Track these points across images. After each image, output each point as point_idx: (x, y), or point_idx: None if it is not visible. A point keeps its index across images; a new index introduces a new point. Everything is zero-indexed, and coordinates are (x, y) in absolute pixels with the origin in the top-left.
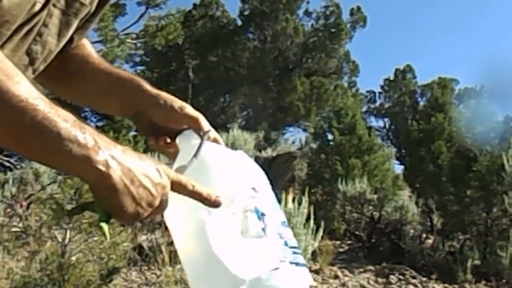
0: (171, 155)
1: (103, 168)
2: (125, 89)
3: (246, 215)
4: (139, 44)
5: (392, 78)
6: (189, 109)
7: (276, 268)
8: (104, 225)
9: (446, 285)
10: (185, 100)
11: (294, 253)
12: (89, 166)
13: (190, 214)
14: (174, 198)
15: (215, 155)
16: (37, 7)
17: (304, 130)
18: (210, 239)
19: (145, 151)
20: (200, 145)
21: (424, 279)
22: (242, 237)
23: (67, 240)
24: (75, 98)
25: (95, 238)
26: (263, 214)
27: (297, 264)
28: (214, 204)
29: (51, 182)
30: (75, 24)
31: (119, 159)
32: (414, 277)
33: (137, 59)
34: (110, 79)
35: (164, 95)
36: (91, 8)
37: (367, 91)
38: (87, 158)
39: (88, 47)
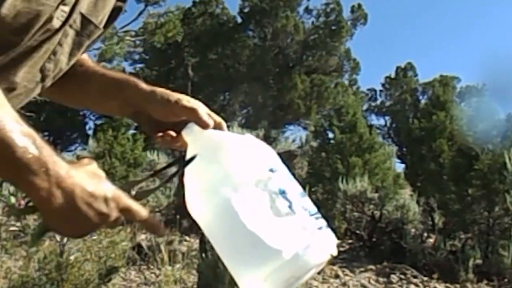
0: (181, 148)
1: (45, 195)
2: (121, 90)
3: (272, 198)
4: (138, 42)
5: (393, 76)
6: (186, 101)
7: (308, 246)
8: (35, 235)
9: (448, 284)
10: None
11: (317, 218)
12: (33, 190)
13: (213, 192)
14: (193, 180)
15: (227, 142)
16: (56, 23)
17: (305, 128)
18: (240, 214)
19: (144, 149)
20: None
21: (425, 278)
22: (273, 216)
23: (65, 239)
24: (70, 101)
25: (93, 237)
26: (285, 192)
27: (320, 228)
28: (157, 234)
29: None
30: (86, 45)
31: (64, 185)
32: (415, 277)
33: (136, 57)
34: (105, 81)
35: (160, 90)
36: (101, 30)
37: (368, 89)
38: (31, 183)
39: None
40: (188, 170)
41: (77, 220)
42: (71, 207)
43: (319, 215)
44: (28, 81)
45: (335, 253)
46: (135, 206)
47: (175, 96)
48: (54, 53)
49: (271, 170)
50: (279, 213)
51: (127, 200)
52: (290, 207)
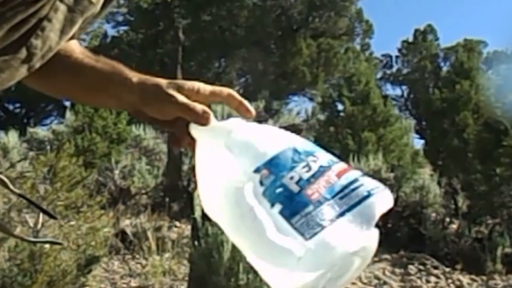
0: None
1: None
2: (111, 87)
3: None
4: (122, 1)
5: (411, 40)
6: (179, 98)
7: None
8: None
9: (473, 276)
10: (175, 66)
11: (341, 198)
12: None
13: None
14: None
15: (254, 132)
16: None
17: (311, 99)
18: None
19: (128, 123)
20: None
21: (447, 269)
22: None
23: (39, 225)
24: (54, 92)
25: (71, 223)
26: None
27: (342, 213)
28: None
29: (21, 159)
30: (79, 22)
31: None
32: (436, 267)
33: (120, 18)
34: (95, 76)
35: (151, 86)
36: (96, 8)
37: (383, 55)
38: None
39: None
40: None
41: None
42: None
43: (350, 187)
44: (6, 59)
45: (371, 238)
46: None
47: (168, 93)
48: (42, 29)
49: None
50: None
51: None
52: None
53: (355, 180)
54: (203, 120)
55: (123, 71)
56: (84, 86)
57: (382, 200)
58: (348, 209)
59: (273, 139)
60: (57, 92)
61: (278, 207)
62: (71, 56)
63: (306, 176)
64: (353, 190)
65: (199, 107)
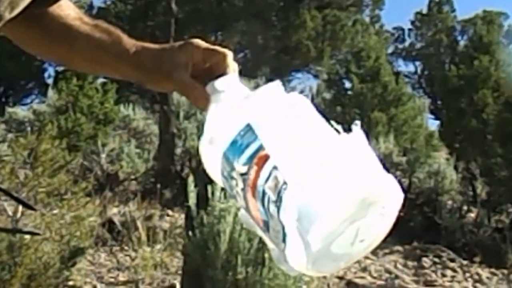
0: None
1: None
2: (109, 60)
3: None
4: None
5: (425, 11)
6: (178, 76)
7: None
8: None
9: (493, 269)
10: (167, 40)
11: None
12: None
13: None
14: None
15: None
16: None
17: (315, 76)
18: None
19: (116, 102)
20: None
21: (465, 262)
22: None
23: (19, 214)
24: (55, 59)
25: (54, 212)
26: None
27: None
28: None
29: None
30: None
31: None
32: (452, 260)
33: None
34: (89, 47)
35: (149, 59)
36: None
37: (394, 28)
38: None
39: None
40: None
41: None
42: None
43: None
44: None
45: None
46: None
47: (165, 65)
48: None
49: None
50: None
51: None
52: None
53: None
54: (198, 106)
55: (121, 41)
56: (81, 56)
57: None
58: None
59: None
60: (58, 60)
61: None
62: (65, 23)
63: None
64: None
65: (198, 91)
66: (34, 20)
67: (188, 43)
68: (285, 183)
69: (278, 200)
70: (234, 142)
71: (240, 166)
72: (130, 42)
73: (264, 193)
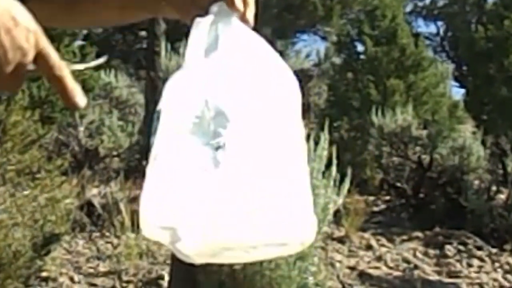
0: None
1: None
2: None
3: None
4: None
5: None
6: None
7: None
8: None
9: None
10: None
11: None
12: None
13: None
14: None
15: None
16: None
17: (324, 38)
18: None
19: (96, 68)
20: None
21: (494, 250)
22: None
23: None
24: (85, 22)
25: (25, 192)
26: None
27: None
28: (73, 105)
29: None
30: None
31: None
32: (479, 248)
33: None
34: None
35: None
36: None
37: None
38: None
39: None
40: None
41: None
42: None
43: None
44: None
45: None
46: (54, 53)
47: None
48: None
49: None
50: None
51: (47, 43)
52: None
53: None
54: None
55: None
56: (119, 5)
57: None
58: None
59: None
60: (87, 21)
61: None
62: None
63: None
64: None
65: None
66: None
67: None
68: None
69: None
70: None
71: None
72: None
73: None
